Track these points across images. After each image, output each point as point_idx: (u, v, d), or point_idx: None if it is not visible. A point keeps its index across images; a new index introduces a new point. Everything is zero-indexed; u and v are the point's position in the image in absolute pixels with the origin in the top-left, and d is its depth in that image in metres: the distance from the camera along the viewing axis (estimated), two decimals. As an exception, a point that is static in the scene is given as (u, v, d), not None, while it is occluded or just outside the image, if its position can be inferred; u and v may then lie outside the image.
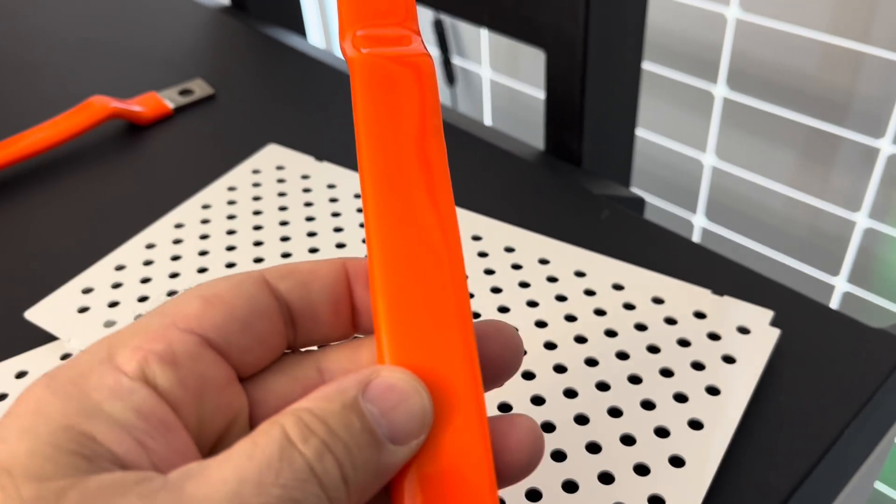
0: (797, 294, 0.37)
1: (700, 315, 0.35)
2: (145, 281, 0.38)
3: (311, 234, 0.40)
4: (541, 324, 0.34)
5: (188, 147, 0.50)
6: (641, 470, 0.29)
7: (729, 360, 0.33)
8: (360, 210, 0.42)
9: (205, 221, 0.41)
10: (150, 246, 0.40)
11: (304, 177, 0.44)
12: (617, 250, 0.38)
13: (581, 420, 0.30)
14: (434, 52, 1.00)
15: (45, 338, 0.35)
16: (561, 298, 0.36)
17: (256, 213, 0.42)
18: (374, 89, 0.21)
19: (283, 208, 0.42)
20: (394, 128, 0.21)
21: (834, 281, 0.74)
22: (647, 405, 0.31)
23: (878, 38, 0.65)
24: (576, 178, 0.46)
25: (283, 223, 0.41)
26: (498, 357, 0.21)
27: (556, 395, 0.31)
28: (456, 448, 0.18)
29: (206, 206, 0.42)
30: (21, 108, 0.54)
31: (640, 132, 0.82)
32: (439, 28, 0.99)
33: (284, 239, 0.40)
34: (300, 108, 0.53)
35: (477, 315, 0.35)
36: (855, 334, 0.35)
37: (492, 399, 0.31)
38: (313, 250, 0.39)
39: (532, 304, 0.36)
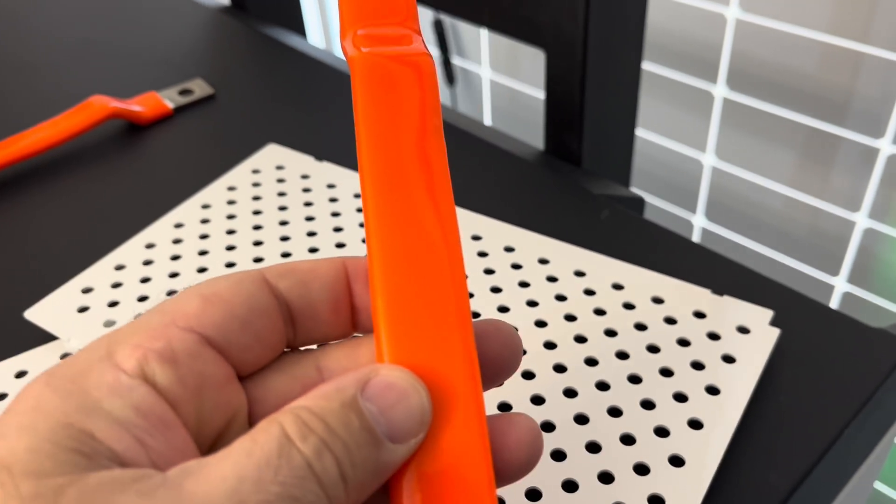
0: (797, 294, 0.37)
1: (700, 315, 0.35)
2: (145, 281, 0.38)
3: (311, 234, 0.40)
4: (540, 323, 0.34)
5: (188, 147, 0.50)
6: (641, 469, 0.29)
7: (729, 359, 0.33)
8: (359, 210, 0.42)
9: (204, 221, 0.41)
10: (149, 246, 0.40)
11: (304, 177, 0.44)
12: (617, 250, 0.38)
13: (581, 420, 0.30)
14: (434, 52, 1.00)
15: (44, 337, 0.35)
16: (561, 298, 0.36)
17: (256, 212, 0.42)
18: (375, 88, 0.21)
19: (282, 208, 0.42)
20: (394, 127, 0.21)
21: (834, 281, 0.74)
22: (647, 405, 0.31)
23: (878, 38, 0.65)
24: (576, 178, 0.46)
25: (283, 223, 0.41)
26: (497, 356, 0.21)
27: (556, 395, 0.31)
28: (455, 447, 0.18)
29: (205, 206, 0.42)
30: (21, 108, 0.54)
31: (639, 132, 0.82)
32: (439, 28, 0.99)
33: (284, 239, 0.40)
34: (300, 108, 0.53)
35: (476, 314, 0.35)
36: (855, 334, 0.35)
37: (491, 399, 0.31)
38: (313, 250, 0.39)
39: (532, 303, 0.36)
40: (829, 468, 0.31)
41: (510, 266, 0.37)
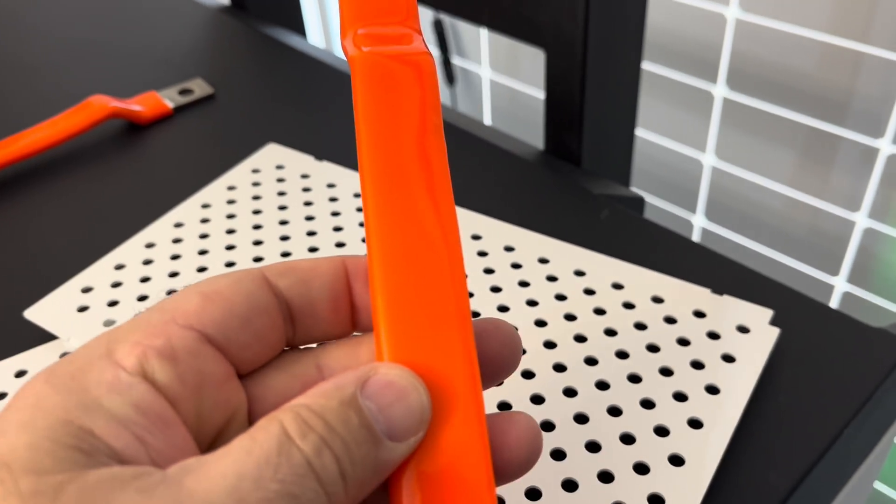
0: (797, 293, 0.37)
1: (700, 314, 0.35)
2: (145, 280, 0.38)
3: (311, 234, 0.40)
4: (540, 323, 0.34)
5: (188, 146, 0.50)
6: (641, 469, 0.29)
7: (728, 359, 0.33)
8: (359, 209, 0.42)
9: (204, 221, 0.41)
10: (149, 245, 0.40)
11: (304, 176, 0.44)
12: (616, 250, 0.38)
13: (580, 419, 0.30)
14: (434, 51, 1.00)
15: (44, 337, 0.35)
16: (560, 297, 0.36)
17: (256, 212, 0.42)
18: (375, 87, 0.21)
19: (282, 207, 0.42)
20: (394, 126, 0.21)
21: (834, 281, 0.74)
22: (647, 404, 0.31)
23: (878, 37, 0.65)
24: (575, 177, 0.46)
25: (283, 222, 0.41)
26: (497, 355, 0.21)
27: (556, 394, 0.31)
28: (454, 445, 0.18)
29: (205, 206, 0.42)
30: (20, 108, 0.54)
31: (639, 132, 0.82)
32: (439, 28, 0.99)
33: (284, 238, 0.40)
34: (300, 108, 0.53)
35: (476, 314, 0.35)
36: (855, 334, 0.35)
37: (491, 398, 0.31)
38: (313, 249, 0.39)
39: (532, 303, 0.36)
40: (829, 468, 0.31)
41: (510, 265, 0.37)
